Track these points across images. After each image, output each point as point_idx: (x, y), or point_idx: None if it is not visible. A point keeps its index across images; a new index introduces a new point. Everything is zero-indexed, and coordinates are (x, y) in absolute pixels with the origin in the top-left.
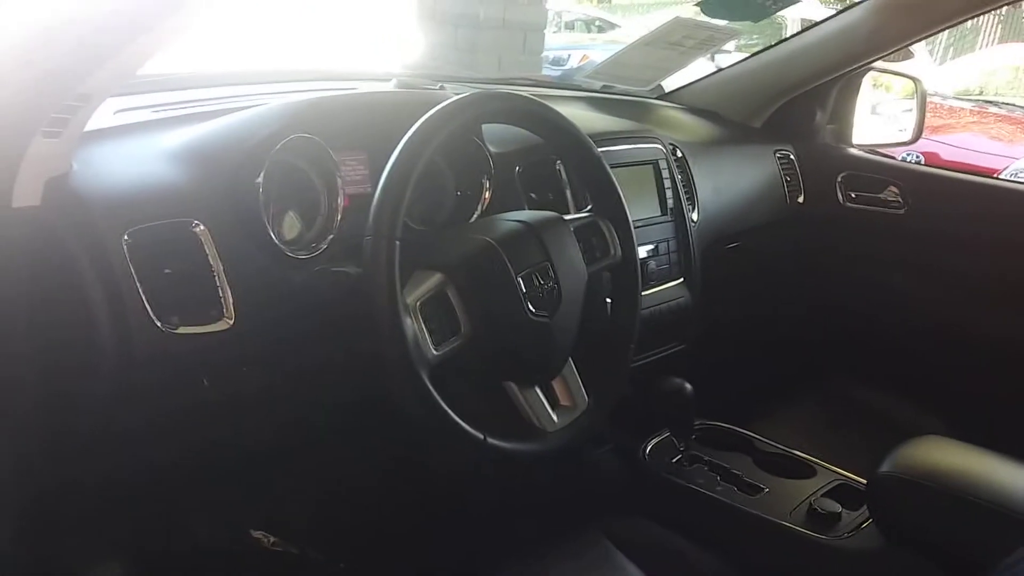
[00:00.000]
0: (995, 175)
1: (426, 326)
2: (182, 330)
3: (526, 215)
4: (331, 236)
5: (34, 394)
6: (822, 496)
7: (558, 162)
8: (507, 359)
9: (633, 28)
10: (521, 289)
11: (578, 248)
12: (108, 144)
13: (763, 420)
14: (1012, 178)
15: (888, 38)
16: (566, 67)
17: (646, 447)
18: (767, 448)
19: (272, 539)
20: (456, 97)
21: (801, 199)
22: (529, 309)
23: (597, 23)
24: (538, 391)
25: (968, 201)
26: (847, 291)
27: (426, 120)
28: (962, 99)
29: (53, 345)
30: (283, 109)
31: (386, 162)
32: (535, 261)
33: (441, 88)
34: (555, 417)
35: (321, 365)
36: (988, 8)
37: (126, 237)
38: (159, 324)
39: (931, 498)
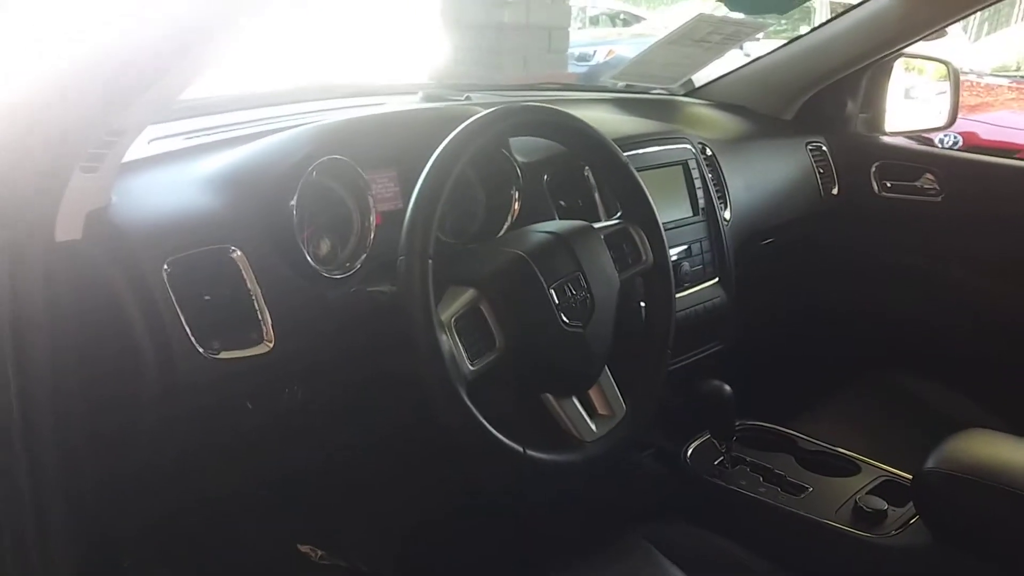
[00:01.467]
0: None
1: (462, 342)
2: (224, 355)
3: (555, 226)
4: (365, 255)
5: (83, 426)
6: (867, 493)
7: (586, 168)
8: (543, 371)
9: (659, 20)
10: (554, 300)
11: (609, 256)
12: (145, 174)
13: (805, 418)
14: None
15: (918, 23)
16: (592, 63)
17: (687, 450)
18: (810, 446)
19: (320, 553)
20: (480, 114)
21: (835, 191)
22: (563, 320)
23: (622, 16)
24: (575, 401)
25: (1007, 185)
26: (885, 283)
27: (452, 138)
28: (999, 75)
29: (100, 376)
30: (313, 132)
31: (416, 178)
32: (566, 271)
33: (467, 98)
34: (593, 426)
35: (361, 382)
36: None
37: (166, 266)
38: (201, 350)
39: (979, 493)
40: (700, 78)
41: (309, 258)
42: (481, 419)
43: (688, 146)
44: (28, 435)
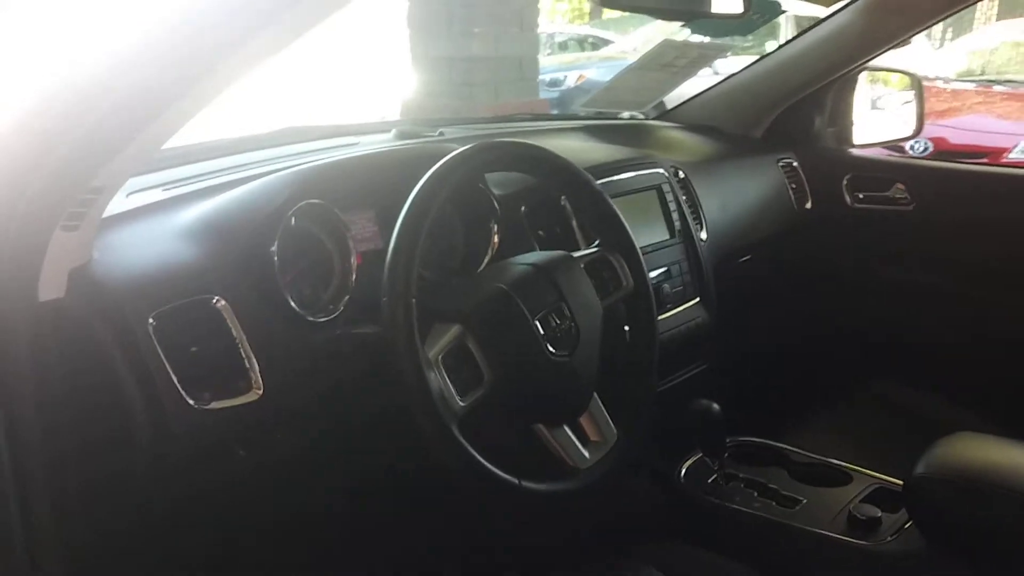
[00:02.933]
0: (1005, 153)
1: (450, 378)
2: (214, 405)
3: (534, 257)
4: (347, 296)
5: (75, 485)
6: (860, 502)
7: (563, 197)
8: (533, 401)
9: (627, 43)
10: (539, 331)
11: (590, 284)
12: (125, 229)
13: (793, 431)
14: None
15: (880, 37)
16: (563, 87)
17: (681, 470)
18: (800, 459)
19: None
20: (454, 152)
21: (809, 205)
22: (549, 350)
23: (590, 40)
24: (567, 429)
25: (975, 190)
26: (863, 293)
27: (428, 178)
28: (965, 80)
29: (90, 434)
30: (289, 178)
31: (394, 217)
32: (549, 302)
33: (441, 134)
34: (587, 453)
35: (352, 424)
36: (970, 3)
37: (151, 320)
38: (192, 402)
39: (970, 496)
40: (670, 100)
41: (293, 303)
42: (475, 454)
43: (661, 170)
44: (21, 494)
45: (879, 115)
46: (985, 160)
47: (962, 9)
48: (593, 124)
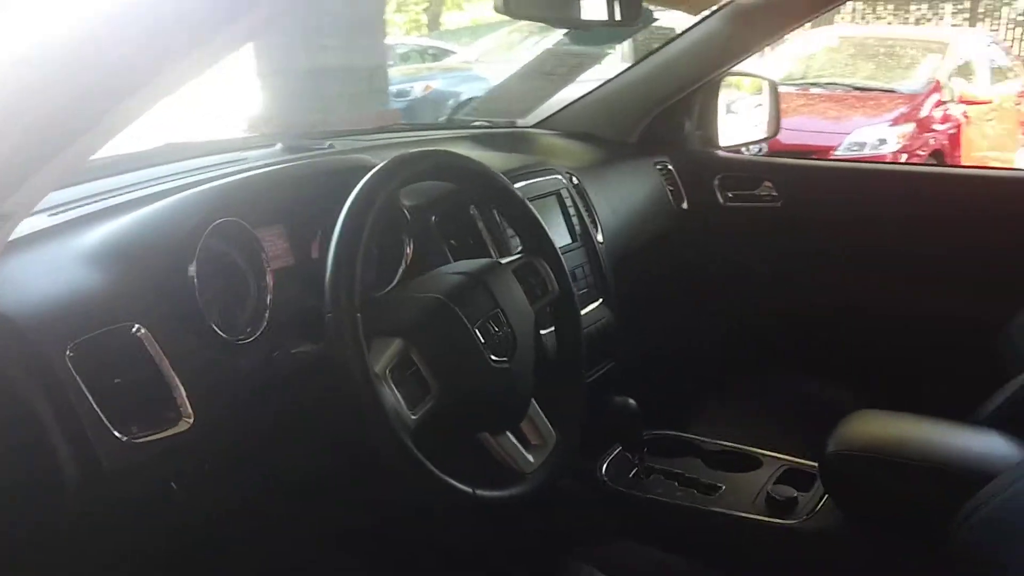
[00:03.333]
0: (831, 151)
1: (399, 392)
2: (144, 438)
3: (465, 265)
4: (266, 316)
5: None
6: (775, 484)
7: (472, 207)
8: (477, 410)
9: (469, 54)
10: (479, 339)
11: (520, 289)
12: (20, 257)
13: (698, 422)
14: (850, 153)
15: (742, 44)
16: (410, 97)
17: (602, 466)
18: (712, 447)
19: None
20: (384, 164)
21: (685, 205)
22: (490, 358)
23: (431, 51)
24: (510, 436)
25: (837, 184)
26: (746, 287)
27: (361, 190)
28: (787, 84)
29: (12, 479)
30: (202, 196)
31: (303, 232)
32: (486, 309)
33: (330, 146)
34: (531, 458)
35: (290, 447)
36: (829, 7)
37: (69, 352)
38: (120, 436)
39: (881, 468)
40: (543, 110)
41: (215, 327)
42: (431, 467)
43: (559, 176)
44: None
45: (740, 118)
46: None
47: (816, 17)
48: (478, 133)
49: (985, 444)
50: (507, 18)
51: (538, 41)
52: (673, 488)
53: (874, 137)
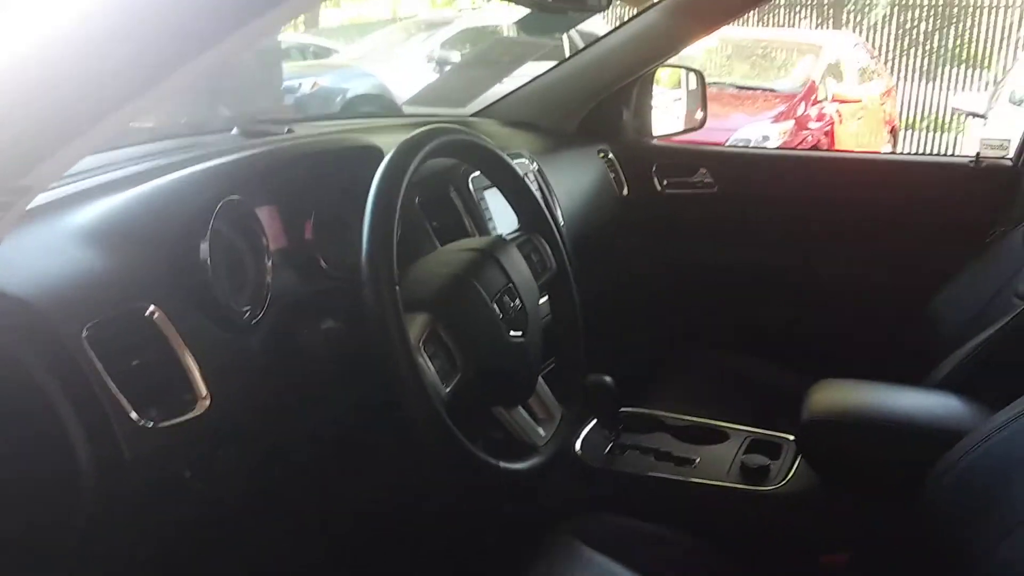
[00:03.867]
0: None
1: (433, 365)
2: (163, 424)
3: (475, 242)
4: (267, 295)
5: (17, 522)
6: (745, 453)
7: (452, 189)
8: (496, 385)
9: (353, 51)
10: (498, 314)
11: (527, 265)
12: (25, 235)
13: (657, 399)
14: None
15: (680, 36)
16: (298, 94)
17: (576, 444)
18: (678, 423)
19: None
20: (407, 137)
21: (625, 192)
22: (509, 332)
23: (312, 49)
24: (522, 410)
25: (770, 170)
26: (688, 270)
27: (388, 165)
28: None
29: (26, 474)
30: (206, 174)
31: (296, 212)
32: (501, 284)
33: (289, 131)
34: (541, 431)
35: (307, 425)
36: (760, 4)
37: (85, 333)
38: (140, 422)
39: (854, 432)
40: (481, 100)
41: (233, 306)
42: (463, 439)
43: (525, 160)
44: None
45: (672, 109)
46: None
47: (749, 11)
48: (421, 121)
49: (948, 406)
50: (388, 16)
51: (425, 39)
52: (649, 462)
53: (758, 134)
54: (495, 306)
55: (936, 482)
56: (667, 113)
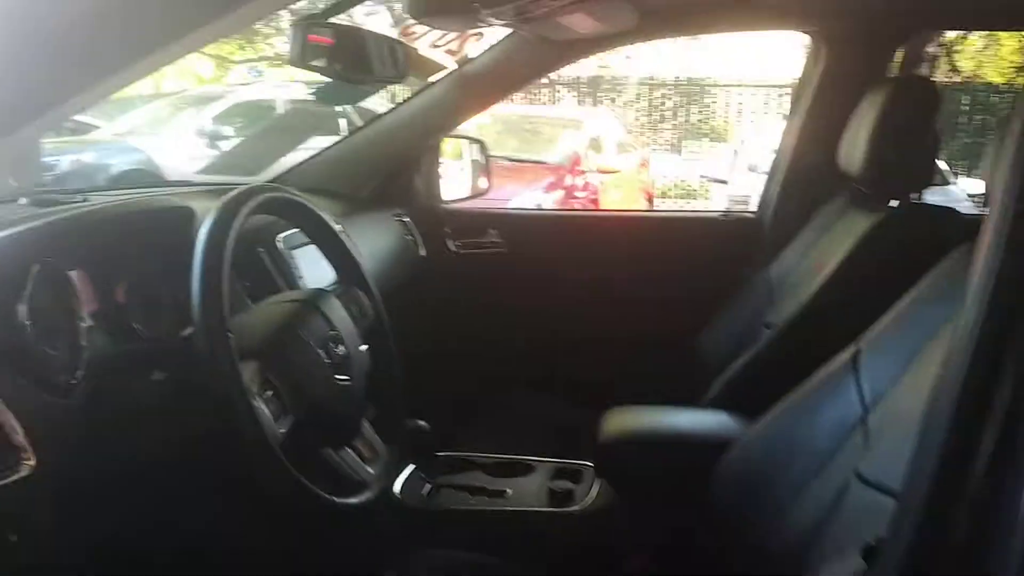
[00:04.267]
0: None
1: (267, 408)
2: None
3: (296, 294)
4: (85, 355)
5: None
6: (551, 480)
7: (259, 248)
8: (324, 426)
9: (116, 127)
10: (325, 359)
11: (347, 314)
12: None
13: (471, 442)
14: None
15: (461, 110)
16: (57, 172)
17: (395, 487)
18: (486, 460)
19: None
20: (230, 194)
21: (423, 252)
22: (336, 377)
23: (69, 126)
24: (349, 451)
25: (555, 228)
26: (486, 320)
27: (215, 221)
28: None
29: None
30: (15, 240)
31: (107, 277)
32: (325, 332)
33: (84, 200)
34: (369, 468)
35: (132, 477)
36: (536, 79)
37: None
38: None
39: (643, 449)
40: (275, 168)
41: (52, 368)
42: (300, 477)
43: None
44: None
45: (458, 176)
46: None
47: (527, 87)
48: (215, 189)
49: (718, 420)
50: (152, 92)
51: (196, 113)
52: (465, 498)
53: (531, 203)
54: (321, 352)
55: (717, 482)
56: (453, 181)
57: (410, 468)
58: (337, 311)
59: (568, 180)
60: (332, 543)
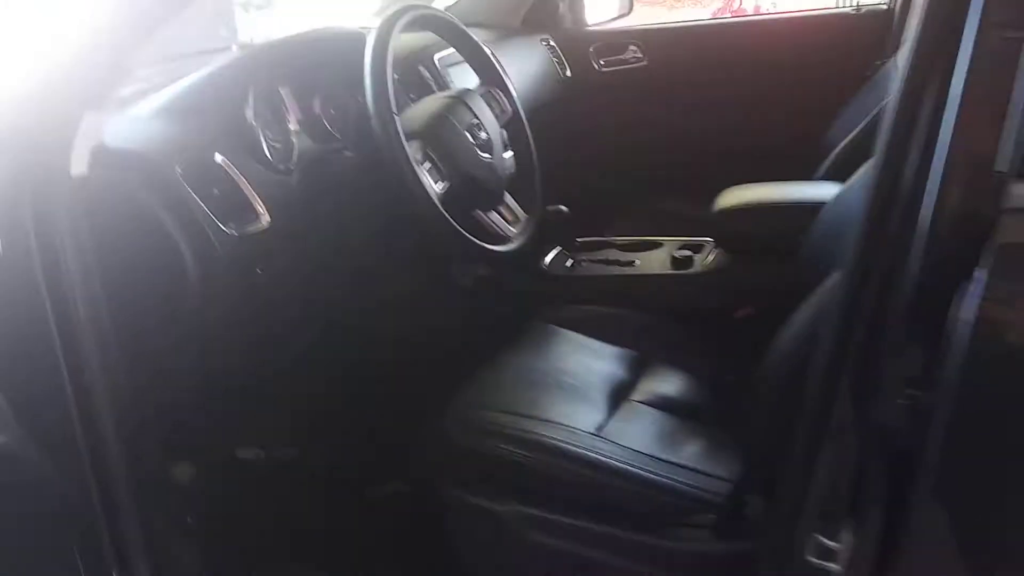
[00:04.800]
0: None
1: (427, 174)
2: (239, 231)
3: (447, 92)
4: (295, 151)
5: (140, 304)
6: (677, 250)
7: (420, 66)
8: (473, 191)
9: None
10: (470, 140)
11: (489, 108)
12: (124, 115)
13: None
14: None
15: None
16: None
17: (544, 260)
18: (619, 240)
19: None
20: (387, 13)
21: (568, 73)
22: (479, 153)
23: None
24: (495, 213)
25: (693, 39)
26: (624, 134)
27: (376, 34)
28: None
29: (150, 279)
30: (240, 64)
31: (306, 92)
32: (470, 119)
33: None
34: (512, 229)
35: (337, 232)
36: None
37: (178, 169)
38: (226, 230)
39: (750, 214)
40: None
41: (269, 155)
42: (456, 224)
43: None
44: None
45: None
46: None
47: None
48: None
49: (821, 190)
50: None
51: None
52: (600, 267)
53: None
54: (467, 134)
55: (806, 240)
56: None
57: (556, 249)
58: (479, 104)
59: (736, 3)
60: (492, 305)
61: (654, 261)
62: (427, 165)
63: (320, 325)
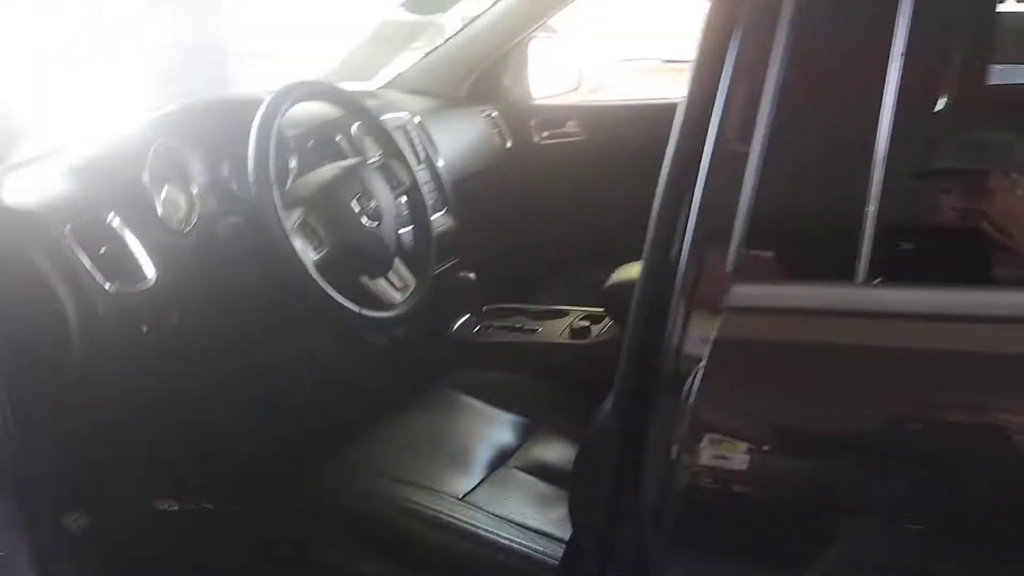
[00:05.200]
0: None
1: (305, 241)
2: (123, 290)
3: (343, 163)
4: (196, 212)
5: (28, 359)
6: (577, 321)
7: (338, 136)
8: (356, 259)
9: None
10: (356, 208)
11: (383, 180)
12: (24, 173)
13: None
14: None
15: (547, 6)
16: None
17: (452, 328)
18: (532, 309)
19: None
20: (277, 89)
21: (509, 144)
22: (366, 221)
23: None
24: (382, 280)
25: (633, 117)
26: (558, 205)
27: (267, 103)
28: None
29: (29, 332)
30: (151, 123)
31: (215, 155)
32: (358, 189)
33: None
34: (398, 296)
35: (226, 294)
36: None
37: (68, 227)
38: (108, 289)
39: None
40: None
41: (161, 216)
42: (330, 290)
43: (404, 114)
44: None
45: (549, 73)
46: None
47: None
48: None
49: None
50: None
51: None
52: (505, 334)
53: None
54: (354, 203)
55: None
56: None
57: (466, 315)
58: (372, 175)
59: None
60: (396, 369)
61: (556, 329)
62: (304, 232)
63: (216, 382)
